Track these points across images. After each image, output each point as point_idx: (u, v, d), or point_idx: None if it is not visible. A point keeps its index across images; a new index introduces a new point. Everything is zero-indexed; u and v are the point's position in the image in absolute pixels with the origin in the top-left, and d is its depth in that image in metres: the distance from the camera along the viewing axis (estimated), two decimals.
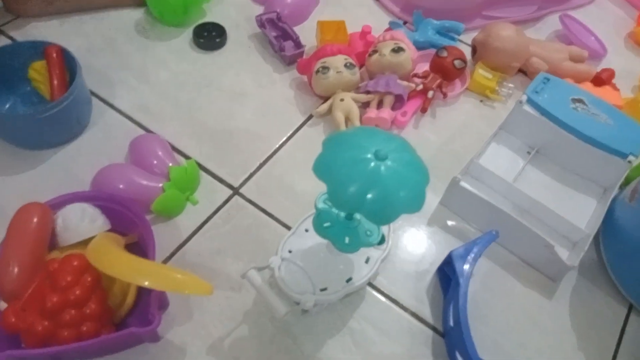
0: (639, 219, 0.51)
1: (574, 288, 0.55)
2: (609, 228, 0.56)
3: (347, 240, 0.41)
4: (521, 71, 0.74)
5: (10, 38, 0.68)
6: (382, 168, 0.35)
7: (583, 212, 0.59)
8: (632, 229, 0.52)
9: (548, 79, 0.65)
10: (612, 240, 0.55)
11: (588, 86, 0.71)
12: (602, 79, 0.72)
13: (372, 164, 0.35)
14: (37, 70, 0.58)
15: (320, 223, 0.42)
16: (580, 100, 0.63)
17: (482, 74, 0.71)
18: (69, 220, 0.46)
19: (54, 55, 0.57)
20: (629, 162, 0.58)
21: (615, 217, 0.56)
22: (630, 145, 0.59)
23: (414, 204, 0.36)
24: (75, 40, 0.69)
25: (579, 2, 0.87)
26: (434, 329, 0.50)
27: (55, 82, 0.57)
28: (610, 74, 0.73)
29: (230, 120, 0.64)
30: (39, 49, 0.58)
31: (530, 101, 0.63)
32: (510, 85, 0.72)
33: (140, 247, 0.49)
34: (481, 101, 0.71)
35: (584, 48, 0.75)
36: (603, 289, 0.55)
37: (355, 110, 0.63)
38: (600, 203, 0.60)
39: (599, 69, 0.74)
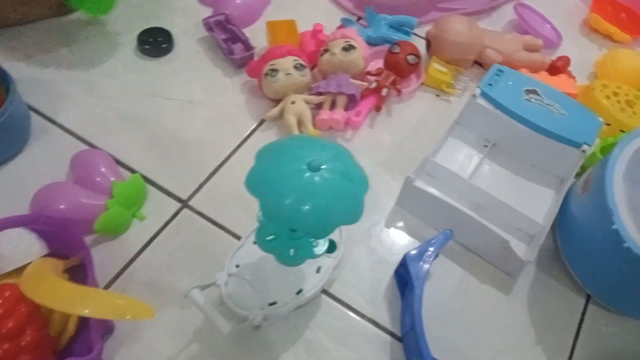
0: (590, 210, 0.51)
1: (532, 282, 0.55)
2: (563, 219, 0.56)
3: (291, 252, 0.40)
4: (477, 63, 0.74)
5: None
6: (317, 179, 0.34)
7: (541, 205, 0.59)
8: (585, 220, 0.52)
9: (501, 71, 0.64)
10: (566, 231, 0.55)
11: (543, 75, 0.71)
12: (557, 68, 0.72)
13: (307, 175, 0.34)
14: None
15: (263, 236, 0.40)
16: (533, 91, 0.62)
17: (436, 68, 0.70)
18: (3, 248, 0.44)
19: None
20: (583, 151, 0.58)
21: (569, 208, 0.55)
22: (584, 134, 0.59)
23: (351, 216, 0.35)
24: (12, 53, 0.66)
25: None
26: (391, 334, 0.49)
27: None
28: (565, 62, 0.73)
29: (179, 129, 0.62)
30: None
31: (483, 94, 0.62)
32: (466, 78, 0.71)
33: (84, 270, 0.47)
34: (437, 96, 0.70)
35: (539, 37, 0.75)
36: (561, 281, 0.55)
37: (307, 113, 0.61)
38: (557, 194, 0.60)
39: (554, 58, 0.74)
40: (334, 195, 0.34)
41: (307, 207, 0.33)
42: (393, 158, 0.63)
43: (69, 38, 0.69)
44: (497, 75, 0.64)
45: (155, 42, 0.68)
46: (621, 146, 0.52)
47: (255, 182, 0.35)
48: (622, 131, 0.66)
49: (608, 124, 0.66)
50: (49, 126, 0.60)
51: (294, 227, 0.36)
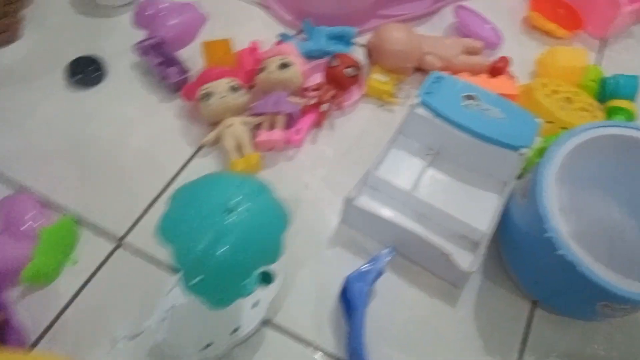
0: (527, 216, 0.50)
1: (478, 291, 0.54)
2: (505, 226, 0.56)
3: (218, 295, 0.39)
4: (420, 70, 0.73)
5: None
6: (230, 221, 0.33)
7: (486, 211, 0.58)
8: (524, 226, 0.52)
9: (440, 78, 0.64)
10: (508, 238, 0.55)
11: (484, 78, 0.71)
12: (498, 69, 0.72)
13: (220, 218, 0.33)
14: None
15: (187, 281, 0.39)
16: (472, 97, 0.62)
17: (377, 78, 0.69)
18: None
19: None
20: (521, 154, 0.58)
21: (510, 214, 0.55)
22: (523, 137, 0.59)
23: (269, 256, 0.34)
24: None
25: None
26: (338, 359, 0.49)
27: None
28: (505, 62, 0.72)
29: (113, 161, 0.60)
30: None
31: (422, 103, 0.61)
32: (408, 86, 0.71)
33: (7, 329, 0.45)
34: (380, 106, 0.69)
35: (479, 39, 0.75)
36: (506, 288, 0.55)
37: (244, 136, 0.60)
38: (500, 200, 0.60)
39: (495, 58, 0.73)
40: (248, 237, 0.33)
41: (220, 252, 0.32)
42: (337, 173, 0.62)
43: None
44: (436, 82, 0.63)
45: (86, 72, 0.66)
46: (553, 149, 0.52)
47: (165, 230, 0.34)
48: (564, 129, 0.66)
49: (551, 122, 0.66)
50: None
51: (209, 272, 0.35)
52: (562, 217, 0.47)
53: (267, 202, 0.35)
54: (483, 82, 0.69)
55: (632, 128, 0.54)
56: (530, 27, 0.82)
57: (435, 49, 0.71)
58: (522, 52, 0.77)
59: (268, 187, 0.36)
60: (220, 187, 0.35)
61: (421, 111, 0.61)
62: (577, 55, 0.74)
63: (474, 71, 0.71)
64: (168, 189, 0.58)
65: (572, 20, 0.81)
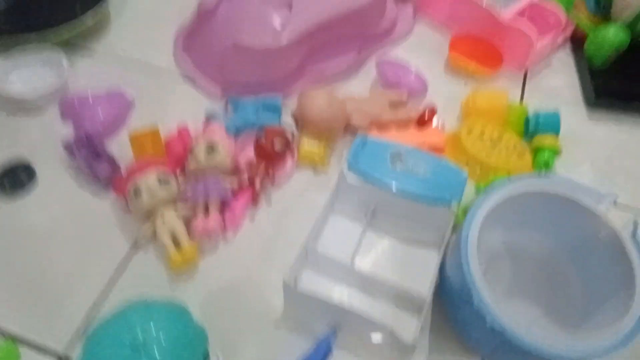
0: (458, 278, 0.51)
1: (428, 353, 0.55)
2: (443, 282, 0.56)
3: None
4: (351, 129, 0.74)
5: None
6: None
7: (427, 270, 0.59)
8: (456, 286, 0.53)
9: (365, 141, 0.65)
10: (446, 295, 0.56)
11: (412, 131, 0.72)
12: (424, 120, 0.74)
13: (130, 356, 0.33)
14: None
15: None
16: (398, 156, 0.63)
17: (307, 145, 0.70)
18: None
19: None
20: (452, 209, 0.59)
21: (445, 271, 0.56)
22: (451, 192, 0.60)
23: None
24: None
25: (396, 37, 0.89)
26: None
27: None
28: (431, 112, 0.74)
29: (47, 271, 0.59)
30: None
31: (350, 168, 0.63)
32: (340, 147, 0.72)
33: None
34: (314, 172, 0.70)
35: (404, 90, 0.77)
36: (456, 345, 0.55)
37: (179, 228, 0.60)
38: (438, 258, 0.61)
39: (422, 107, 0.75)
40: None
41: None
42: (278, 249, 0.62)
43: None
44: (361, 146, 0.64)
45: (13, 181, 0.65)
46: (473, 210, 0.53)
47: None
48: (496, 173, 0.68)
49: (480, 168, 0.68)
50: None
51: None
52: (493, 269, 0.49)
53: (180, 329, 0.35)
54: (410, 136, 0.71)
55: (546, 181, 0.56)
56: (454, 67, 0.84)
57: (360, 107, 0.73)
58: (449, 95, 0.80)
59: (185, 311, 0.36)
60: (129, 321, 0.34)
61: (350, 176, 0.62)
62: (498, 95, 0.76)
63: (401, 125, 0.73)
64: (109, 294, 0.57)
65: (492, 58, 0.84)
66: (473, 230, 0.51)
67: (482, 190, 0.65)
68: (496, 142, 0.71)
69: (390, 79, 0.79)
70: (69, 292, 0.57)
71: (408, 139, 0.69)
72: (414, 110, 0.75)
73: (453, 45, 0.84)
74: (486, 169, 0.68)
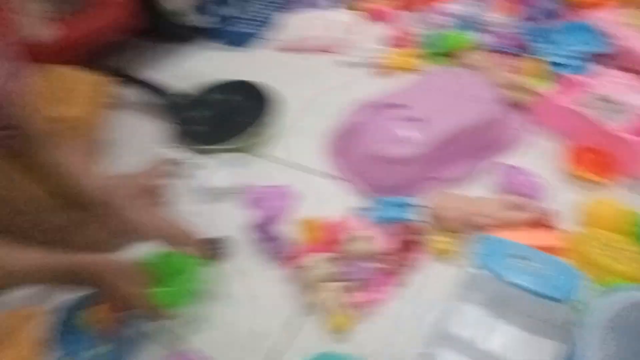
0: None
1: None
2: None
3: None
4: (474, 228, 0.88)
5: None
6: None
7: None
8: None
9: (486, 238, 0.78)
10: None
11: (530, 232, 0.84)
12: (541, 223, 0.85)
13: None
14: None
15: None
16: (517, 255, 0.75)
17: (438, 239, 0.85)
18: None
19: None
20: (569, 307, 0.70)
21: None
22: (567, 291, 0.70)
23: None
24: None
25: (514, 147, 1.02)
26: None
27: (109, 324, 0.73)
28: (549, 216, 0.86)
29: (233, 326, 0.78)
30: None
31: (477, 262, 0.76)
32: (465, 244, 0.85)
33: None
34: (444, 262, 0.84)
35: (521, 195, 0.90)
36: None
37: (337, 297, 0.77)
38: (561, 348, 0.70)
39: (539, 211, 0.87)
40: None
41: None
42: (412, 325, 0.76)
43: None
44: (483, 242, 0.78)
45: (214, 250, 0.86)
46: (590, 318, 0.62)
47: None
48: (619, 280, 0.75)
49: (602, 273, 0.77)
50: None
51: None
52: None
53: None
54: (529, 237, 0.82)
55: None
56: (572, 174, 0.94)
57: (483, 209, 0.87)
58: (567, 200, 0.89)
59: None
60: None
61: (476, 270, 0.76)
62: (618, 203, 0.85)
63: (521, 225, 0.85)
64: (289, 349, 0.75)
65: (610, 166, 0.92)
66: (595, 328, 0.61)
67: (600, 292, 0.74)
68: (616, 249, 0.79)
69: (510, 184, 0.92)
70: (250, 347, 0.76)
71: (527, 239, 0.80)
72: (532, 213, 0.87)
73: (571, 154, 0.94)
74: (605, 273, 0.77)
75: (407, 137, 0.94)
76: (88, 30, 1.12)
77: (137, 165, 0.99)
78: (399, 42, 1.27)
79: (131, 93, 1.18)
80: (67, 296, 0.79)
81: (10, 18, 0.75)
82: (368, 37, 1.33)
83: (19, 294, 0.79)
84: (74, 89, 0.95)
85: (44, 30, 1.04)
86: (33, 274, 0.69)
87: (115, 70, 1.17)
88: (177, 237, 0.77)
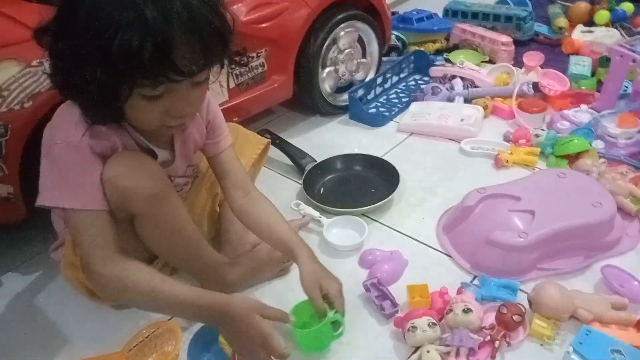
0: None
1: None
2: None
3: None
4: (574, 317, 0.93)
5: None
6: None
7: None
8: None
9: (589, 331, 0.84)
10: None
11: (632, 332, 0.88)
12: None
13: None
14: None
15: None
16: (618, 351, 0.80)
17: (538, 323, 0.91)
18: None
19: None
20: None
21: None
22: None
23: None
24: None
25: (621, 250, 1.07)
26: None
27: None
28: None
29: None
30: None
31: (575, 352, 0.82)
32: (564, 331, 0.91)
33: None
34: (541, 345, 0.90)
35: (625, 296, 0.94)
36: None
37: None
38: None
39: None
40: None
41: None
42: None
43: None
44: (586, 335, 0.83)
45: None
46: None
47: None
48: None
49: None
50: None
51: None
52: None
53: None
54: (630, 336, 0.86)
55: None
56: None
57: (586, 304, 0.92)
58: None
59: None
60: None
61: (574, 357, 0.81)
62: None
63: (621, 325, 0.89)
64: None
65: None
66: None
67: None
68: None
69: (614, 284, 0.97)
70: None
71: (626, 337, 0.84)
72: (634, 315, 0.90)
73: None
74: None
75: (520, 227, 1.03)
76: (257, 98, 1.39)
77: None
78: (520, 140, 1.38)
79: (276, 154, 1.41)
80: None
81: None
82: (492, 132, 1.47)
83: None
84: (245, 143, 1.19)
85: (223, 96, 1.32)
86: (178, 306, 0.82)
87: (268, 132, 1.43)
88: (332, 293, 0.89)
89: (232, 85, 1.33)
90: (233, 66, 1.27)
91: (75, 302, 1.02)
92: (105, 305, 1.01)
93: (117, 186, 0.81)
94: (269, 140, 1.26)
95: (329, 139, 1.53)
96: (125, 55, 0.67)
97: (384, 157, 1.38)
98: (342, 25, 1.50)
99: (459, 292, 0.98)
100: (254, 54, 1.34)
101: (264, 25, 1.33)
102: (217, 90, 1.30)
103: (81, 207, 0.80)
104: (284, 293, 1.04)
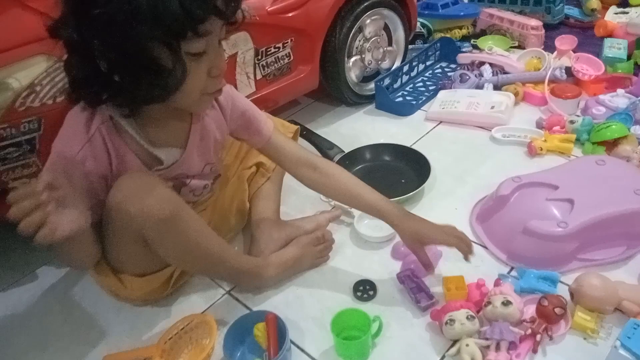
0: None
1: None
2: None
3: None
4: (618, 310, 0.90)
5: (247, 307, 1.01)
6: None
7: None
8: None
9: (638, 325, 0.81)
10: None
11: None
12: None
13: None
14: (260, 329, 0.90)
15: None
16: None
17: (581, 316, 0.88)
18: None
19: (271, 320, 0.89)
20: None
21: None
22: None
23: None
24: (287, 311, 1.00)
25: None
26: None
27: (271, 340, 0.88)
28: None
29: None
30: (262, 316, 0.90)
31: (623, 347, 0.79)
32: (609, 324, 0.88)
33: None
34: (584, 339, 0.87)
35: None
36: None
37: (478, 355, 0.84)
38: None
39: None
40: None
41: None
42: None
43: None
44: (634, 328, 0.80)
45: (365, 290, 1.00)
46: None
47: None
48: None
49: None
50: (301, 355, 0.91)
51: None
52: None
53: None
54: None
55: None
56: None
57: (632, 295, 0.89)
58: None
59: None
60: None
61: (622, 352, 0.78)
62: None
63: None
64: None
65: None
66: None
67: None
68: None
69: None
70: None
71: None
72: None
73: None
74: None
75: (558, 217, 1.00)
76: (284, 89, 1.38)
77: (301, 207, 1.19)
78: (554, 127, 1.34)
79: (304, 144, 1.40)
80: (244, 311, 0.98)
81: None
82: (524, 119, 1.43)
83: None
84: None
85: (250, 88, 1.31)
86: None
87: (295, 123, 1.41)
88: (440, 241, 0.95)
89: (259, 76, 1.32)
90: (259, 57, 1.27)
91: (109, 296, 1.03)
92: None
93: (125, 212, 0.81)
94: (298, 127, 1.24)
95: (356, 129, 1.51)
96: (167, 11, 0.67)
97: (413, 147, 1.35)
98: (368, 13, 1.47)
99: (497, 283, 0.95)
100: (280, 44, 1.33)
101: (289, 14, 1.31)
102: (244, 82, 1.29)
103: None
104: (319, 284, 1.04)
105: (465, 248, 0.94)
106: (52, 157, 0.80)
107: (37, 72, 0.95)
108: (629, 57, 1.56)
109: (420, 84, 1.68)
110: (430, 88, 1.64)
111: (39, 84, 0.95)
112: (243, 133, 1.01)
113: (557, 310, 0.87)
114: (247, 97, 1.11)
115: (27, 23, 1.01)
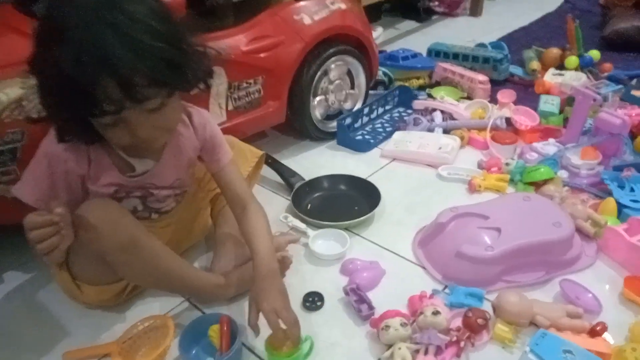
0: None
1: None
2: None
3: None
4: (533, 324, 1.03)
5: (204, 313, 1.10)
6: None
7: None
8: None
9: (545, 334, 0.93)
10: None
11: (584, 337, 0.97)
12: (596, 331, 0.98)
13: None
14: (214, 331, 0.98)
15: None
16: (569, 351, 0.89)
17: (500, 327, 1.00)
18: None
19: (225, 322, 0.97)
20: None
21: None
22: None
23: None
24: (242, 318, 1.10)
25: (579, 267, 1.17)
26: None
27: (223, 338, 0.96)
28: (602, 327, 0.98)
29: None
30: (217, 318, 0.99)
31: (532, 352, 0.90)
32: (524, 335, 1.00)
33: None
34: (503, 347, 0.99)
35: (581, 306, 1.03)
36: None
37: (409, 357, 0.94)
38: None
39: (594, 322, 1.00)
40: None
41: None
42: None
43: None
44: (542, 337, 0.92)
45: (314, 301, 1.10)
46: None
47: None
48: None
49: None
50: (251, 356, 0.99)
51: None
52: None
53: None
54: (582, 341, 0.95)
55: None
56: (627, 299, 1.08)
57: (544, 311, 1.01)
58: (618, 319, 1.03)
59: None
60: None
61: (531, 356, 0.90)
62: None
63: (575, 331, 0.98)
64: None
65: None
66: None
67: None
68: None
69: (570, 296, 1.07)
70: None
71: (579, 342, 0.93)
72: (587, 323, 1.00)
73: (627, 283, 1.09)
74: None
75: (487, 242, 1.14)
76: (253, 121, 1.51)
77: None
78: (492, 168, 1.51)
79: (268, 172, 1.52)
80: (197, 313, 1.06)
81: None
82: (467, 160, 1.59)
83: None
84: (240, 157, 1.28)
85: (221, 117, 1.43)
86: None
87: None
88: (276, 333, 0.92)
89: (230, 107, 1.44)
90: (232, 90, 1.40)
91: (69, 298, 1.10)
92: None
93: (85, 234, 0.88)
94: (264, 152, 1.36)
95: (318, 161, 1.64)
96: (68, 92, 0.74)
97: (368, 179, 1.49)
98: (332, 58, 1.63)
99: (430, 297, 1.07)
100: (251, 80, 1.47)
101: (261, 55, 1.46)
102: (217, 111, 1.41)
103: (32, 204, 0.89)
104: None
105: (280, 335, 0.92)
106: (39, 154, 0.90)
107: (25, 89, 1.05)
108: (560, 112, 1.77)
109: (379, 125, 1.84)
110: (387, 129, 1.80)
111: (26, 99, 1.05)
112: (205, 155, 1.10)
113: (479, 321, 0.99)
114: (219, 125, 1.23)
115: (17, 46, 1.13)
